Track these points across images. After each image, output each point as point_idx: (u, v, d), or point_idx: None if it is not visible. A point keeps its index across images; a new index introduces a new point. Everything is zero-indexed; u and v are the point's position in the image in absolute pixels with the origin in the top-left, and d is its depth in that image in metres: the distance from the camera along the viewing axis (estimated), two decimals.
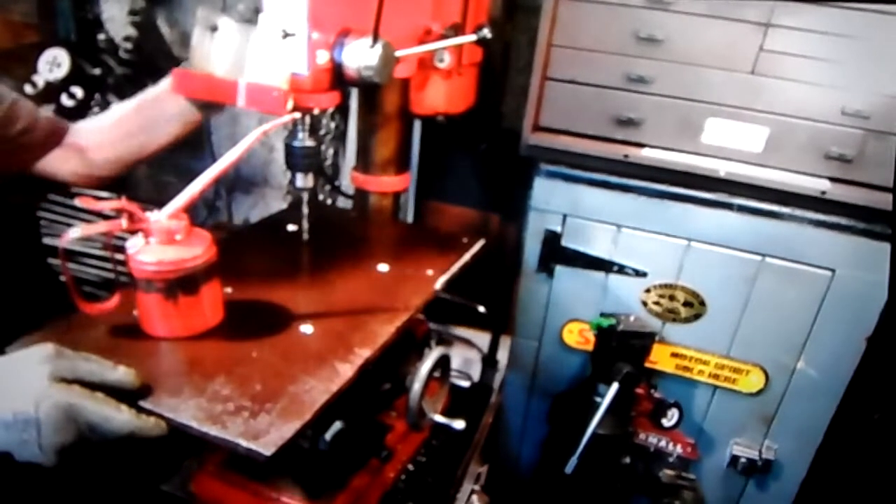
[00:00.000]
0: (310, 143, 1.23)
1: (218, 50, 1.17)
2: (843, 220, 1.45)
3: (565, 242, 1.64)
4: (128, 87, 1.81)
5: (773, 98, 1.42)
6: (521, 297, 1.76)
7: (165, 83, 1.24)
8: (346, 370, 1.01)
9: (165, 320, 1.06)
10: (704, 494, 1.77)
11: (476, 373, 1.93)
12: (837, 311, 1.50)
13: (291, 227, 1.53)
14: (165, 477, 1.35)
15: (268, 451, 0.83)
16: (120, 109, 1.33)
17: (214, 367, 1.02)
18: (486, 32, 1.39)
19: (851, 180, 1.43)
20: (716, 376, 1.65)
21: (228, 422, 0.88)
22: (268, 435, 0.85)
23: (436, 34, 1.48)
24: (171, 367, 1.03)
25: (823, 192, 1.43)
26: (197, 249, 1.05)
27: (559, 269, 1.68)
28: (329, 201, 2.11)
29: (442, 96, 1.62)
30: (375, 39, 1.11)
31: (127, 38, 1.87)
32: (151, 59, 1.88)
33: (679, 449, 1.74)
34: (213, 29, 1.16)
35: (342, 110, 2.03)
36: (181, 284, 1.04)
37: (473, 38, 1.40)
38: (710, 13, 1.41)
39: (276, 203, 2.40)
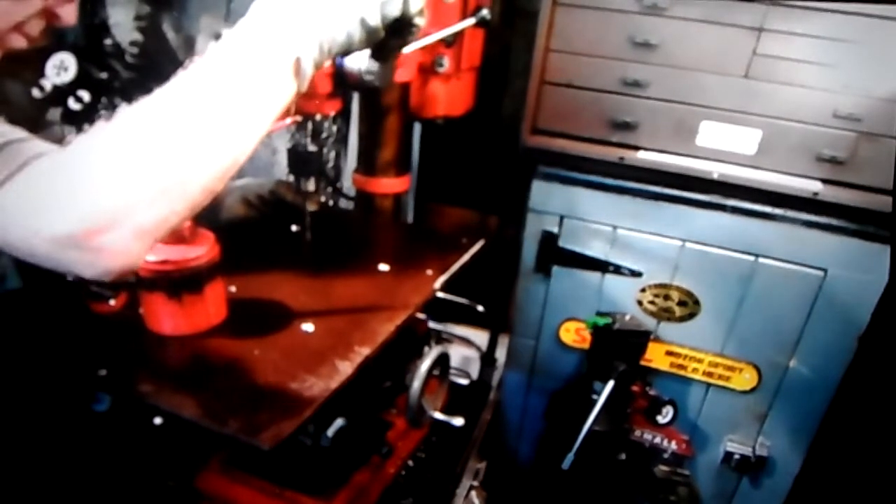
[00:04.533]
0: (312, 148, 1.26)
1: None
2: (835, 221, 1.47)
3: (562, 243, 1.66)
4: (134, 91, 1.84)
5: (766, 101, 1.44)
6: (519, 297, 1.78)
7: None
8: (346, 368, 1.04)
9: (170, 318, 1.09)
10: (699, 490, 1.78)
11: (475, 371, 1.95)
12: (829, 311, 1.52)
13: (294, 228, 1.55)
14: (172, 473, 1.38)
15: (267, 445, 0.86)
16: None
17: (217, 363, 1.05)
18: (485, 14, 1.39)
19: (844, 182, 1.45)
20: (710, 374, 1.67)
21: (230, 417, 0.90)
22: (268, 430, 0.88)
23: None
24: (175, 364, 1.05)
25: (816, 194, 1.45)
26: (200, 248, 1.08)
27: (556, 270, 1.70)
28: (331, 203, 2.13)
29: (441, 100, 1.64)
30: None
31: (133, 43, 1.89)
32: (157, 63, 1.90)
33: (674, 445, 1.76)
34: (218, 38, 1.18)
35: (344, 113, 2.05)
36: (185, 283, 1.07)
37: (472, 21, 1.40)
38: (704, 18, 1.42)
39: None
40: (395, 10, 0.84)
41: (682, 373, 1.69)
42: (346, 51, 0.84)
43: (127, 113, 0.69)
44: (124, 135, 0.68)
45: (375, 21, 0.82)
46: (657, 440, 1.77)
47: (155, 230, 0.68)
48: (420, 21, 0.88)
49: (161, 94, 0.71)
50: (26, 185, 0.65)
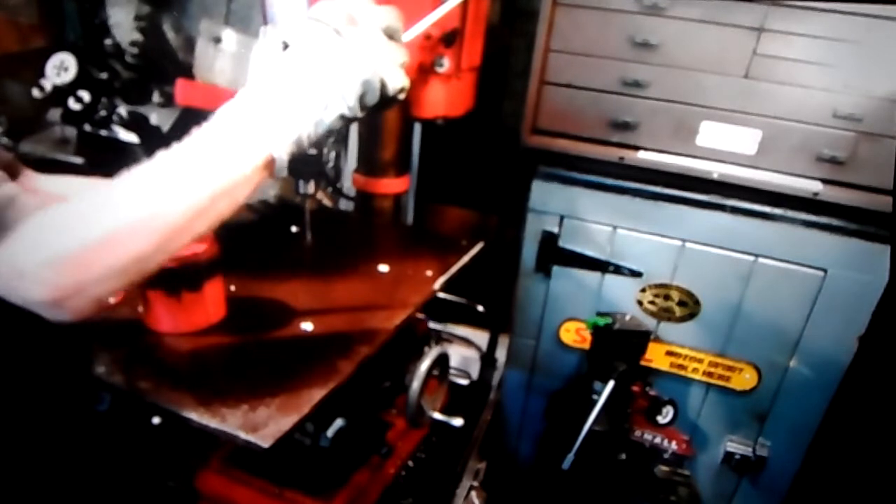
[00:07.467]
0: (311, 151, 1.26)
1: (221, 61, 1.20)
2: (835, 221, 1.47)
3: (562, 243, 1.66)
4: (134, 91, 1.85)
5: (766, 101, 1.44)
6: (520, 297, 1.78)
7: None
8: (345, 366, 1.04)
9: (169, 316, 1.09)
10: (699, 490, 1.78)
11: (475, 371, 1.96)
12: (829, 311, 1.52)
13: (294, 229, 1.56)
14: (171, 473, 1.38)
15: (266, 443, 0.86)
16: None
17: (216, 361, 1.05)
18: None
19: (844, 182, 1.45)
20: (710, 374, 1.67)
21: (228, 415, 0.91)
22: (266, 428, 0.88)
23: (434, 38, 1.51)
24: (174, 362, 1.05)
25: (816, 194, 1.45)
26: (199, 245, 1.08)
27: (556, 270, 1.70)
28: (330, 203, 2.14)
29: (441, 100, 1.64)
30: None
31: (133, 43, 1.90)
32: (157, 63, 1.91)
33: (674, 445, 1.76)
34: (217, 41, 1.18)
35: None
36: (184, 279, 1.06)
37: None
38: (704, 18, 1.42)
39: None
40: (374, 99, 0.82)
41: (682, 373, 1.69)
42: (326, 135, 0.84)
43: (99, 194, 0.75)
44: (92, 219, 0.74)
45: (354, 113, 0.82)
46: (657, 440, 1.77)
47: (110, 296, 0.77)
48: (401, 96, 0.85)
49: (128, 181, 0.75)
50: (6, 252, 0.71)
